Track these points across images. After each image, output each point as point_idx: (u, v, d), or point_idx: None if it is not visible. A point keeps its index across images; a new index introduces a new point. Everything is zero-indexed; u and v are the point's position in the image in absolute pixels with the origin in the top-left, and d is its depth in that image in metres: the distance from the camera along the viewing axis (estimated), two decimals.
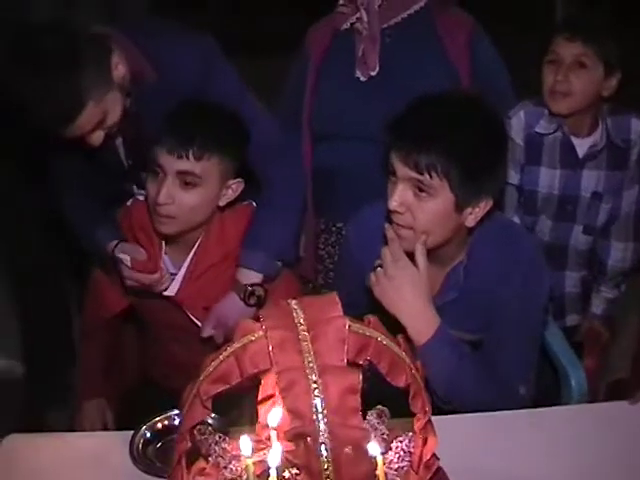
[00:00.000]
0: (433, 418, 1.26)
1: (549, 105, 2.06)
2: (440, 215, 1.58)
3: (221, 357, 1.12)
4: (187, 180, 1.73)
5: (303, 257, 2.27)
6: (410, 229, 1.60)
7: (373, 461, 1.15)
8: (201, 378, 1.13)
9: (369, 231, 1.74)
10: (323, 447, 1.04)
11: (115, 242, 1.86)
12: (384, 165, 1.64)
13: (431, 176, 1.54)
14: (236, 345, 1.11)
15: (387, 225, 1.63)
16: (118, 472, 1.48)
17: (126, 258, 1.83)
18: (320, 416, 1.04)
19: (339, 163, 2.13)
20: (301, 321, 1.10)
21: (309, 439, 1.05)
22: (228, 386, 1.12)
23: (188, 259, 1.85)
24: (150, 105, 1.80)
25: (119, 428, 1.62)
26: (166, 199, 1.72)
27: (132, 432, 1.55)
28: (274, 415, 1.31)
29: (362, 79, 2.10)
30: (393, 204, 1.58)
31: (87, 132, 1.71)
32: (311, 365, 1.06)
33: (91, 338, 1.99)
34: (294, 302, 1.15)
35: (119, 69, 1.72)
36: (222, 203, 1.82)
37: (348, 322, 1.11)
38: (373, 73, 2.09)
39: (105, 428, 1.96)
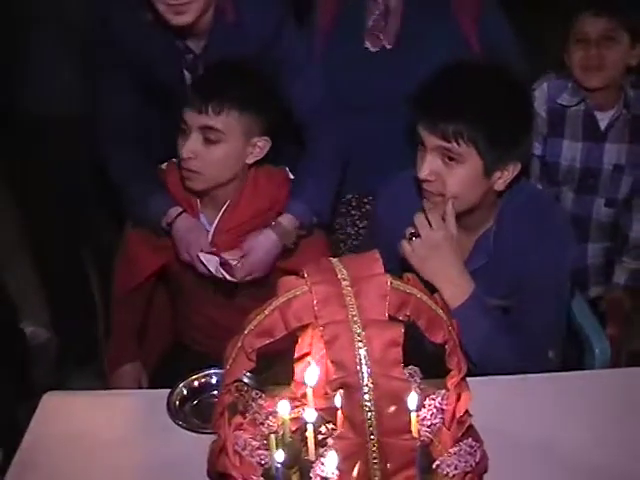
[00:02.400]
0: None
1: (581, 81, 2.09)
2: (470, 180, 1.63)
3: (266, 311, 1.15)
4: (209, 136, 1.78)
5: None
6: (440, 196, 1.64)
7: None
8: (245, 332, 1.16)
9: (399, 202, 1.78)
10: (366, 397, 1.07)
11: (175, 212, 1.88)
12: (411, 136, 1.68)
13: (458, 143, 1.59)
14: (281, 300, 1.15)
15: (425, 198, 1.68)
16: (154, 429, 1.52)
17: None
18: (364, 367, 1.07)
19: (350, 132, 2.10)
20: (344, 277, 1.14)
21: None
22: (272, 339, 1.15)
23: (219, 215, 1.90)
24: (220, 49, 1.89)
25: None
26: (188, 154, 1.78)
27: (168, 390, 1.59)
28: (311, 373, 1.36)
29: (372, 50, 2.11)
30: (423, 173, 1.63)
31: None
32: (355, 318, 1.10)
33: (124, 302, 2.01)
34: (335, 260, 1.19)
35: None
36: (250, 161, 1.86)
37: (390, 279, 1.15)
38: (389, 46, 2.09)
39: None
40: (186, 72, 1.98)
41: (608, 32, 2.03)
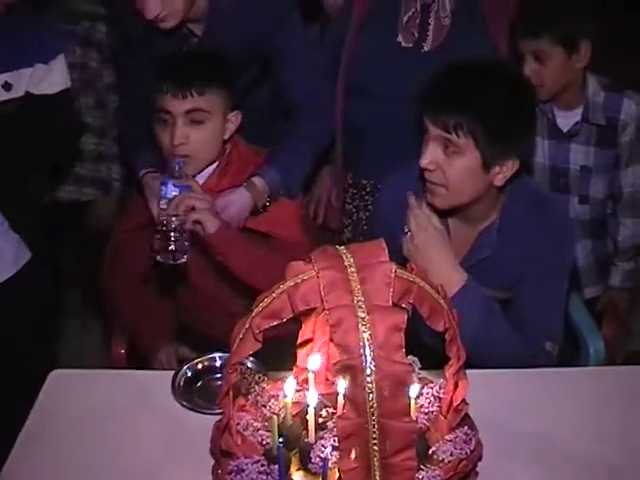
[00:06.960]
0: None
1: None
2: (468, 172, 1.68)
3: (274, 294, 1.19)
4: (195, 118, 1.86)
5: (332, 210, 2.39)
6: (442, 186, 1.70)
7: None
8: (253, 314, 1.20)
9: (400, 194, 1.82)
10: (369, 379, 1.11)
11: (145, 171, 2.00)
12: (418, 124, 1.73)
13: (458, 135, 1.65)
14: (288, 283, 1.19)
15: (409, 193, 1.75)
16: (159, 409, 1.56)
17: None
18: (367, 350, 1.11)
19: (370, 120, 2.18)
20: (350, 264, 1.18)
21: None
22: (279, 321, 1.19)
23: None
24: (218, 34, 2.01)
25: None
26: (180, 139, 1.85)
27: (173, 371, 1.63)
28: (314, 360, 1.40)
29: (404, 45, 2.15)
30: (424, 161, 1.69)
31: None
32: (360, 304, 1.14)
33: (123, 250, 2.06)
34: (342, 247, 1.23)
35: None
36: (226, 136, 1.96)
37: (394, 267, 1.19)
38: (427, 48, 2.14)
39: None
40: None
41: (537, 53, 2.05)
